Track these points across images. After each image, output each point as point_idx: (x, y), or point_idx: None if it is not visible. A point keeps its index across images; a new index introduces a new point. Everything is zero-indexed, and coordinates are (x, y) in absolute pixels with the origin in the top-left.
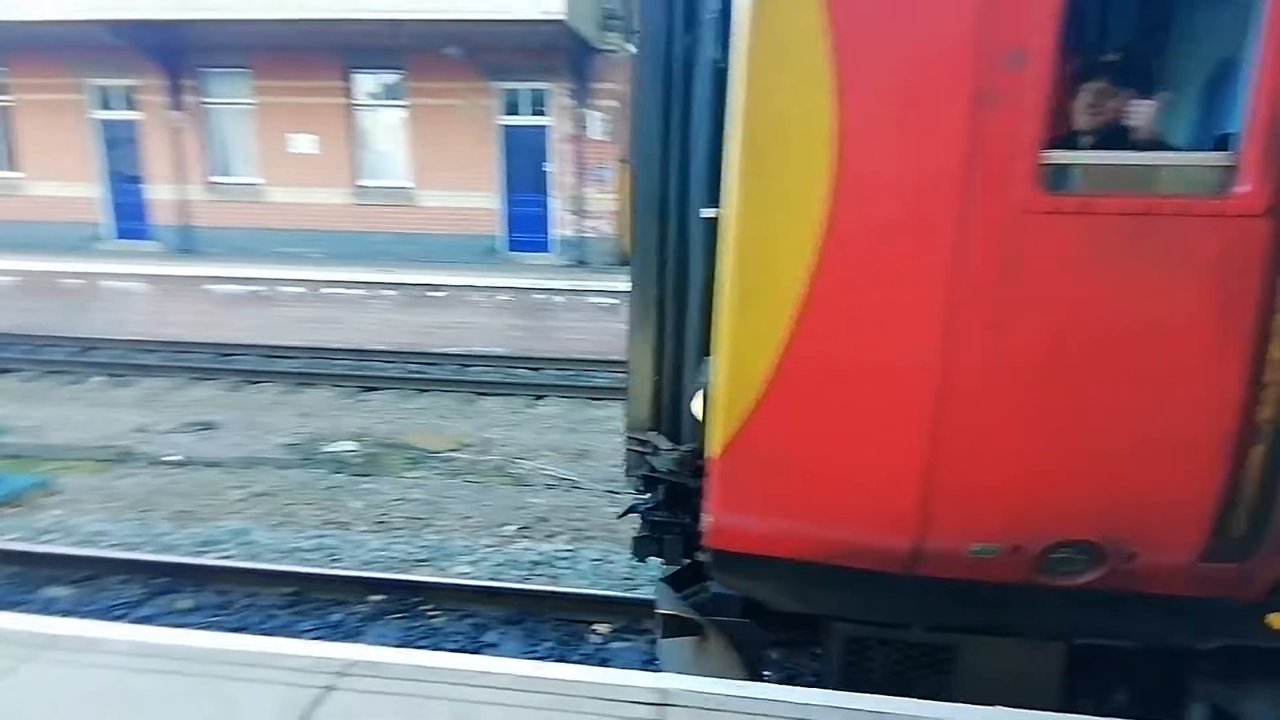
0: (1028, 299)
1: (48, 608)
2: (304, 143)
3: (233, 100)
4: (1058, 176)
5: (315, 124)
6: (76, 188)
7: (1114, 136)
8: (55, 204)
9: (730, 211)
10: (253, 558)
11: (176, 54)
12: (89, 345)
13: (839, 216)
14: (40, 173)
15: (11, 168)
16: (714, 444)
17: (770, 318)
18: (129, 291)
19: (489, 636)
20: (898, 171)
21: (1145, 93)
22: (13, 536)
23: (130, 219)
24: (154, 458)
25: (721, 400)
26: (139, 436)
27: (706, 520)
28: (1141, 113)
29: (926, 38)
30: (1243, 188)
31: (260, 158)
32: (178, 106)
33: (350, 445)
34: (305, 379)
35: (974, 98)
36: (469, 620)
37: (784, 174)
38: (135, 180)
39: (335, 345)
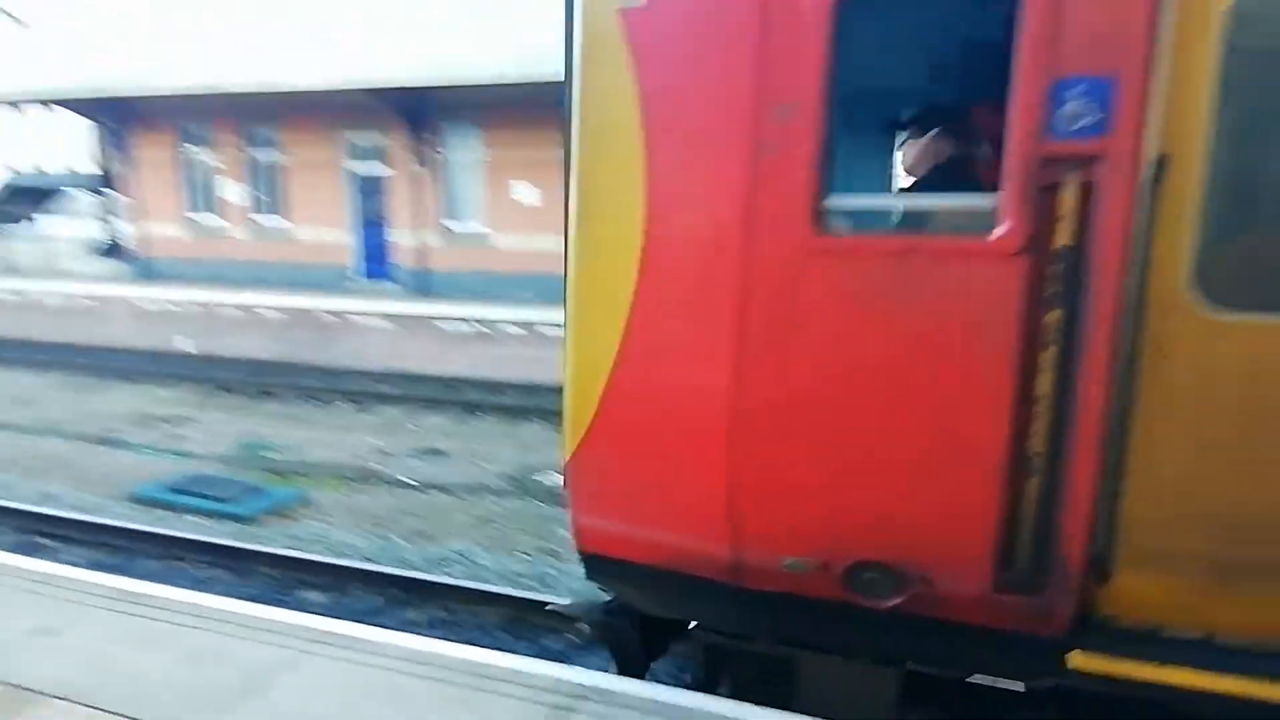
0: (807, 333)
1: (303, 608)
2: (526, 192)
3: (465, 153)
4: (832, 219)
5: (537, 176)
6: (332, 233)
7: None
8: (315, 248)
9: (570, 257)
10: (475, 578)
11: (419, 113)
12: (337, 374)
13: (649, 261)
14: (304, 220)
15: (283, 216)
16: (566, 452)
17: (601, 346)
18: (372, 327)
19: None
20: (694, 219)
21: (915, 141)
22: (277, 543)
23: (375, 261)
24: (392, 479)
25: (569, 415)
26: (379, 459)
27: (570, 523)
28: (912, 159)
29: (713, 98)
30: (1002, 228)
31: (488, 207)
32: (420, 161)
33: (559, 478)
34: (521, 412)
35: (754, 149)
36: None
37: (607, 225)
38: (380, 226)
39: (548, 382)
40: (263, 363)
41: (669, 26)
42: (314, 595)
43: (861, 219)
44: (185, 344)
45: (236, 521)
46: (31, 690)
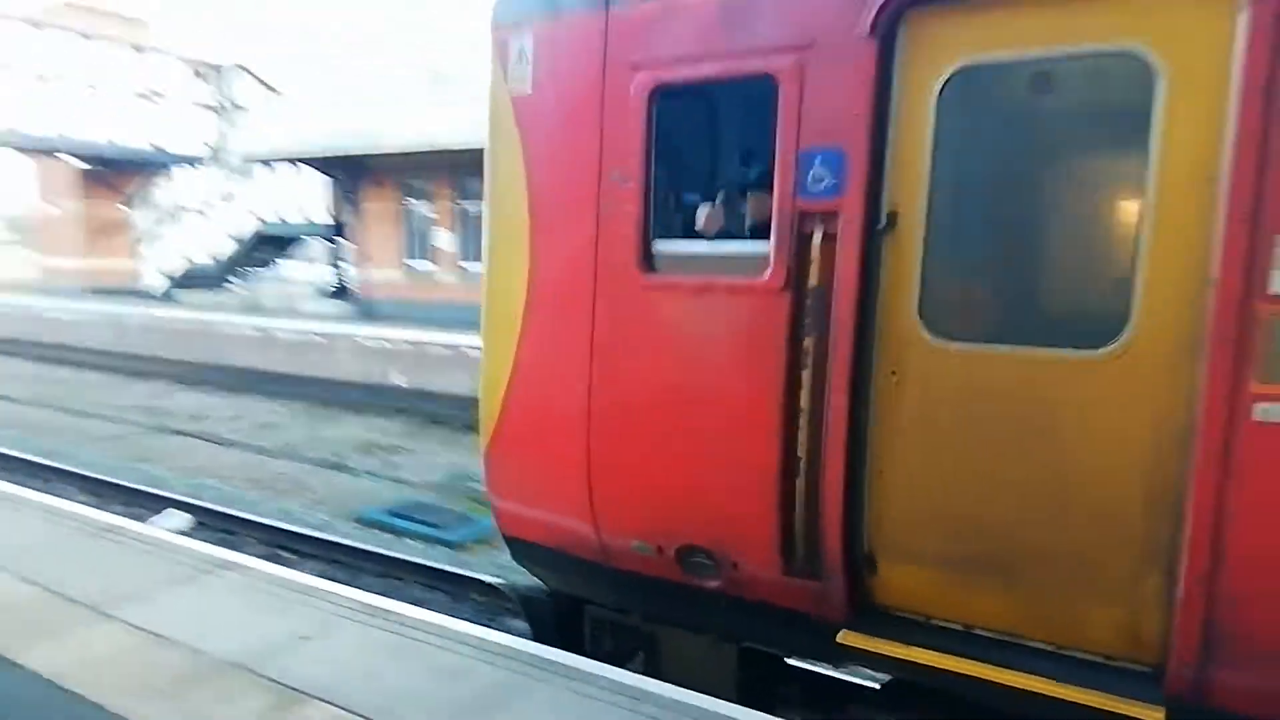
0: (637, 353)
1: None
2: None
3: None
4: (653, 262)
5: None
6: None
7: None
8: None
9: (483, 295)
10: None
11: None
12: None
13: (531, 295)
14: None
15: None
16: (481, 448)
17: (502, 363)
18: None
19: None
20: (560, 263)
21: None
22: (484, 570)
23: None
24: None
25: (483, 417)
26: None
27: (491, 510)
28: (709, 216)
29: (572, 167)
30: (769, 270)
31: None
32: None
33: None
34: None
35: (599, 208)
36: None
37: (503, 270)
38: None
39: None
40: (468, 398)
41: (543, 110)
42: (519, 623)
43: (677, 262)
44: (399, 379)
45: (447, 547)
46: (299, 691)
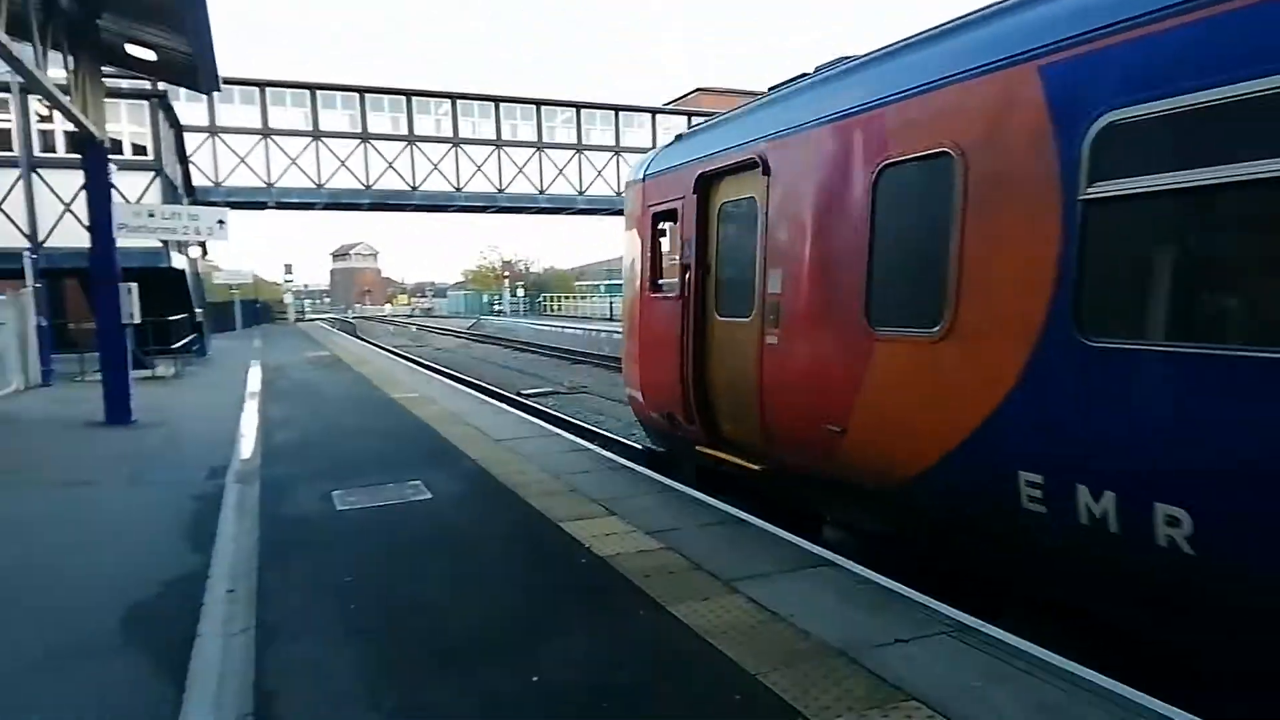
0: (648, 324)
1: None
2: None
3: None
4: (654, 287)
5: None
6: None
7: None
8: None
9: (623, 306)
10: None
11: None
12: None
13: (632, 300)
14: None
15: None
16: (624, 372)
17: (627, 333)
18: None
19: None
20: (633, 294)
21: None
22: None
23: None
24: None
25: (625, 353)
26: None
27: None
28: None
29: (639, 250)
30: (678, 291)
31: None
32: None
33: None
34: None
35: (641, 271)
36: None
37: (627, 295)
38: None
39: None
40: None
41: (631, 224)
42: None
43: (658, 290)
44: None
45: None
46: (895, 687)
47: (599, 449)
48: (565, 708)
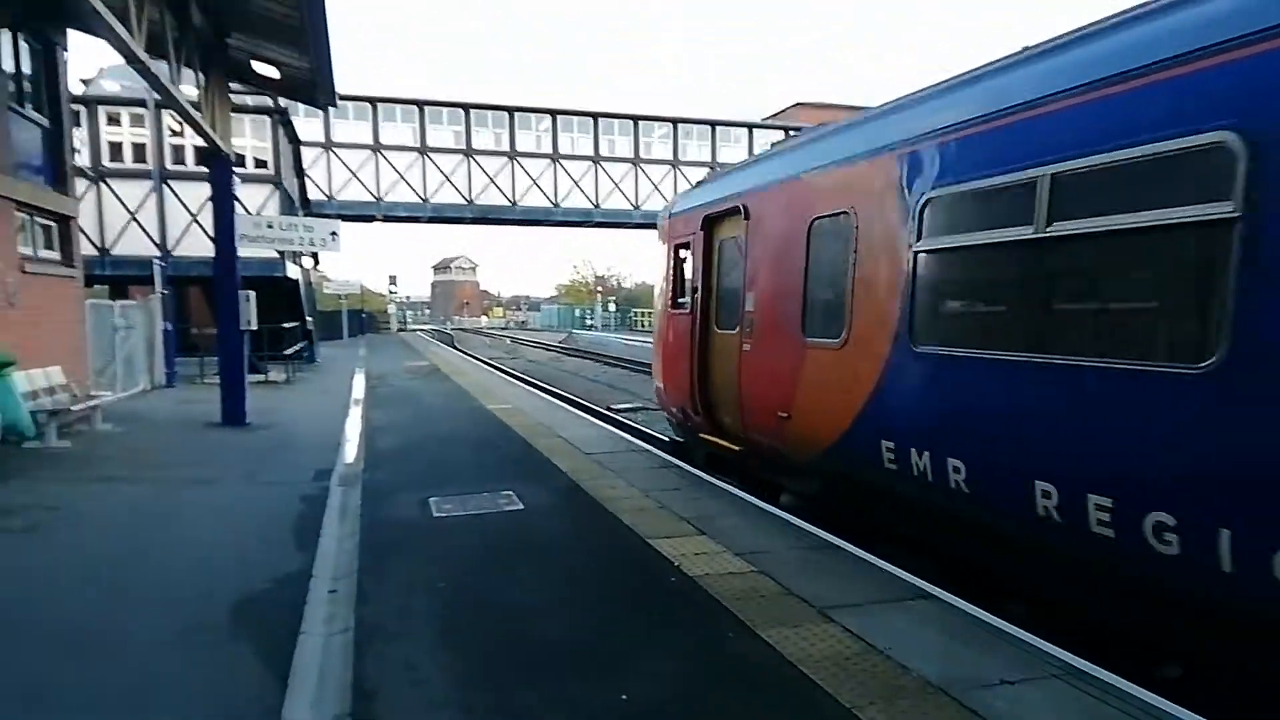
0: (670, 332)
1: None
2: None
3: None
4: (674, 305)
5: None
6: None
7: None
8: None
9: (654, 321)
10: None
11: None
12: None
13: (660, 322)
14: None
15: None
16: (655, 377)
17: (658, 342)
18: None
19: None
20: (662, 306)
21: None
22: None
23: None
24: None
25: (653, 365)
26: None
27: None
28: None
29: (664, 273)
30: (689, 308)
31: None
32: None
33: None
34: None
35: (666, 292)
36: None
37: (659, 311)
38: None
39: None
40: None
41: (661, 255)
42: None
43: (678, 308)
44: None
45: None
46: None
47: (688, 466)
48: None
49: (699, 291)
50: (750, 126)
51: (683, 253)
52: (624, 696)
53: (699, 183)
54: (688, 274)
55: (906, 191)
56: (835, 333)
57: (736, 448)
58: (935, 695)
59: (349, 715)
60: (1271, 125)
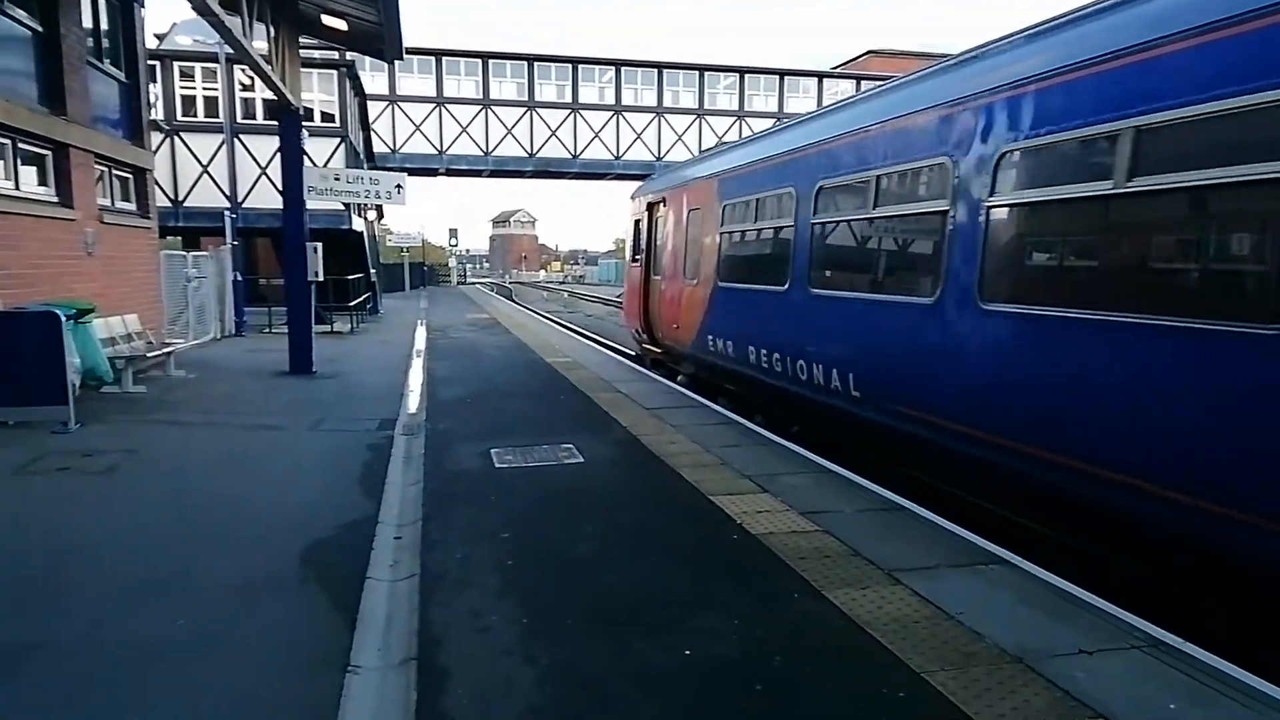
0: (632, 278)
1: None
2: None
3: None
4: (633, 259)
5: None
6: None
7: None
8: None
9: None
10: None
11: None
12: None
13: (625, 265)
14: None
15: None
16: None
17: (626, 280)
18: None
19: None
20: (627, 256)
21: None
22: None
23: None
24: None
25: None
26: None
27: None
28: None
29: (630, 229)
30: (640, 262)
31: None
32: None
33: None
34: None
35: (630, 241)
36: None
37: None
38: None
39: None
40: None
41: (631, 209)
42: None
43: (636, 260)
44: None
45: None
46: (1080, 702)
47: (749, 424)
48: (718, 687)
49: (645, 250)
50: (820, 75)
51: (641, 224)
52: (687, 653)
53: (652, 175)
54: (641, 239)
55: (719, 195)
56: (692, 276)
57: (659, 350)
58: (1010, 663)
59: (415, 660)
60: None
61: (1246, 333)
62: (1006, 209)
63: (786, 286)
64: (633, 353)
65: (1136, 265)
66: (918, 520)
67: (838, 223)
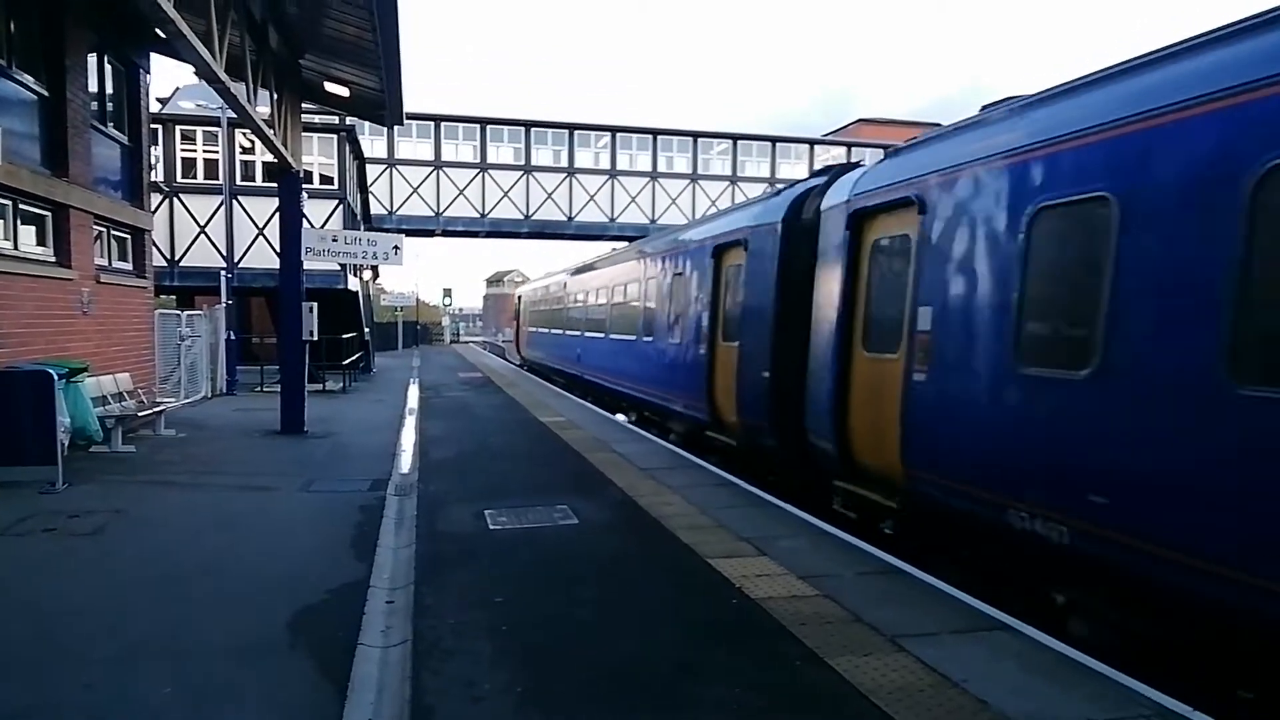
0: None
1: None
2: None
3: None
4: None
5: None
6: None
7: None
8: None
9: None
10: None
11: None
12: None
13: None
14: None
15: None
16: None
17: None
18: None
19: None
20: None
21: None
22: None
23: None
24: None
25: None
26: None
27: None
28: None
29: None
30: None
31: None
32: None
33: None
34: None
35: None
36: None
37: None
38: None
39: None
40: None
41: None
42: None
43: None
44: None
45: None
46: None
47: (745, 485)
48: None
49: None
50: (812, 142)
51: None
52: None
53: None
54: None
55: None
56: (637, 330)
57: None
58: None
59: None
60: None
61: None
62: None
63: None
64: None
65: None
66: (918, 584)
67: None
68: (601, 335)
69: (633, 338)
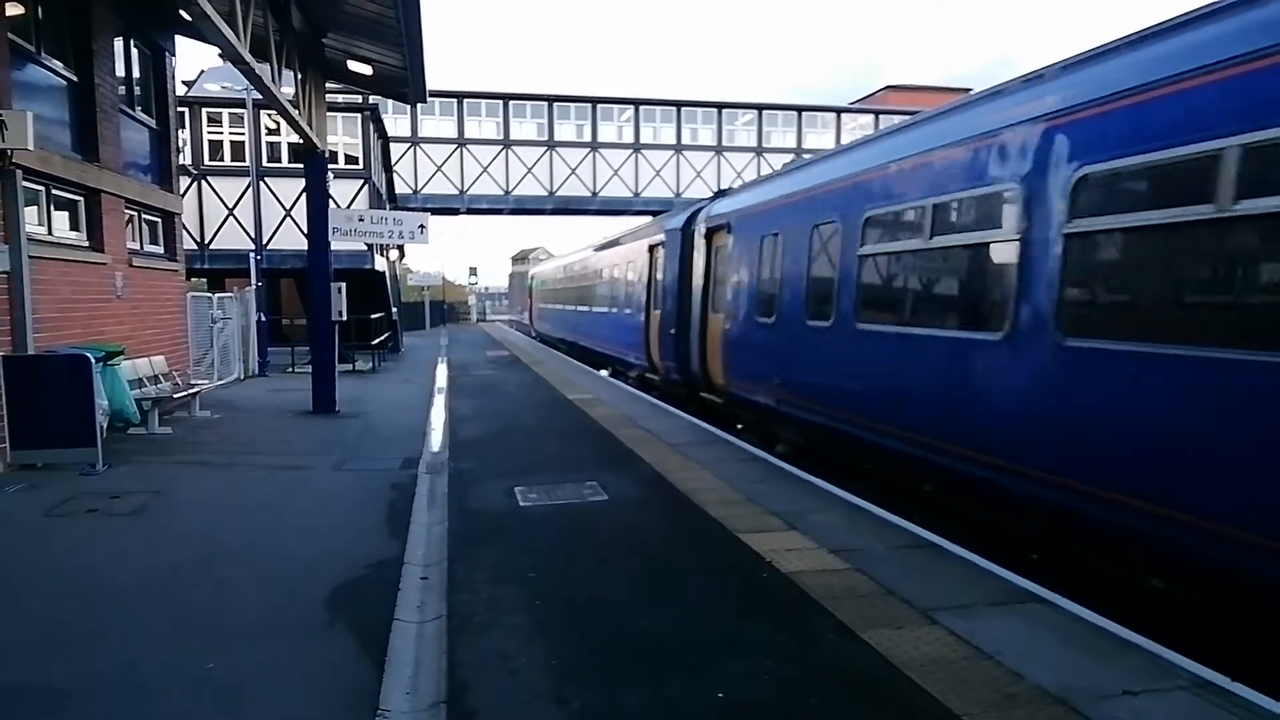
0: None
1: None
2: None
3: None
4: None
5: None
6: None
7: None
8: None
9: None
10: None
11: None
12: None
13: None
14: None
15: None
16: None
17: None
18: None
19: None
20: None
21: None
22: None
23: None
24: None
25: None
26: None
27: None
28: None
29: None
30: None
31: None
32: None
33: None
34: None
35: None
36: None
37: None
38: None
39: None
40: None
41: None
42: None
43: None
44: None
45: None
46: None
47: (774, 459)
48: None
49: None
50: (839, 110)
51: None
52: (721, 695)
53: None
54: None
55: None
56: (608, 304)
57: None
58: (1052, 705)
59: (445, 704)
60: None
61: None
62: None
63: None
64: (652, 390)
65: None
66: (951, 557)
67: None
68: (586, 309)
69: (604, 310)
